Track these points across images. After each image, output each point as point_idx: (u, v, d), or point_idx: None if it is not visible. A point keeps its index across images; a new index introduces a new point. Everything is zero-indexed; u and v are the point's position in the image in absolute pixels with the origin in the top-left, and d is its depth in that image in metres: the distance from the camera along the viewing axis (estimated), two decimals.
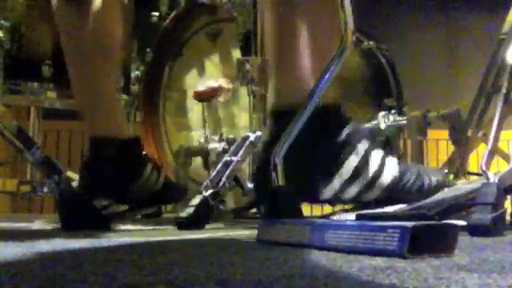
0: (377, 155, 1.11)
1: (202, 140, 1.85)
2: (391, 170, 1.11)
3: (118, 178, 1.29)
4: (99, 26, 1.28)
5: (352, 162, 1.08)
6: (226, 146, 1.66)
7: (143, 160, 1.38)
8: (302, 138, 0.96)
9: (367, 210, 1.08)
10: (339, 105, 1.11)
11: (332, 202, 1.14)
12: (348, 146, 1.08)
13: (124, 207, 1.40)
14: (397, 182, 1.11)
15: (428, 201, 1.02)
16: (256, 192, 1.17)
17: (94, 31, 1.28)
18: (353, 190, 1.09)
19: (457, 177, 1.40)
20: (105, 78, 1.32)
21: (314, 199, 1.12)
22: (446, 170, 1.39)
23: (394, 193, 1.11)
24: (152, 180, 1.36)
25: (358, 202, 1.13)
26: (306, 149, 1.04)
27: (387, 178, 1.10)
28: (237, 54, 1.74)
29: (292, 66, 1.11)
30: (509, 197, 0.99)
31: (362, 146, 1.10)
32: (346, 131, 1.09)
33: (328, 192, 1.08)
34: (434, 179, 1.15)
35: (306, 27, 1.10)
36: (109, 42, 1.31)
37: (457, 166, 1.40)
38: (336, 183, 1.08)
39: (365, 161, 1.09)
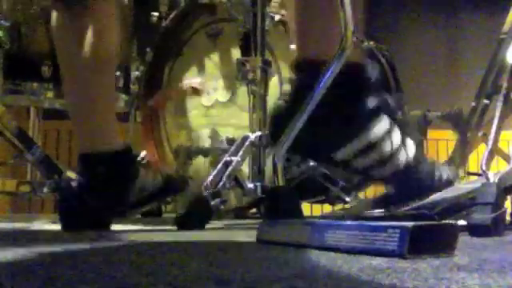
0: (398, 134, 1.10)
1: (203, 140, 1.85)
2: (409, 152, 1.10)
3: (110, 192, 1.27)
4: (96, 40, 1.27)
5: (374, 132, 1.07)
6: (226, 146, 1.66)
7: (135, 167, 1.36)
8: (329, 95, 0.96)
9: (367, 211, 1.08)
10: (363, 66, 1.10)
11: (342, 166, 1.12)
12: (373, 117, 1.07)
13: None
14: (410, 167, 1.10)
15: (428, 201, 1.02)
16: (272, 132, 1.17)
17: (91, 45, 1.26)
18: (366, 160, 1.08)
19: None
20: (98, 91, 1.29)
21: (326, 158, 1.11)
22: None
23: (405, 176, 1.09)
24: (148, 184, 1.35)
25: (366, 175, 1.12)
26: (331, 108, 1.02)
27: (403, 158, 1.09)
28: (237, 53, 1.74)
29: (316, 21, 1.10)
30: (509, 197, 0.99)
31: (387, 121, 1.09)
32: (374, 101, 1.07)
33: (341, 154, 1.07)
34: (445, 174, 1.14)
35: None
36: (105, 56, 1.30)
37: (457, 166, 1.40)
38: (352, 148, 1.07)
39: (387, 135, 1.08)
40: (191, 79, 1.95)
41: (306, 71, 1.09)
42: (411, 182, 1.10)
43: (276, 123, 1.15)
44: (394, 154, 1.08)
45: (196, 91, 1.92)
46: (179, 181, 1.55)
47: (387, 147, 1.07)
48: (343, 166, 1.12)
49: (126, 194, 1.30)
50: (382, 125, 1.07)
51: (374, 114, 1.07)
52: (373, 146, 1.07)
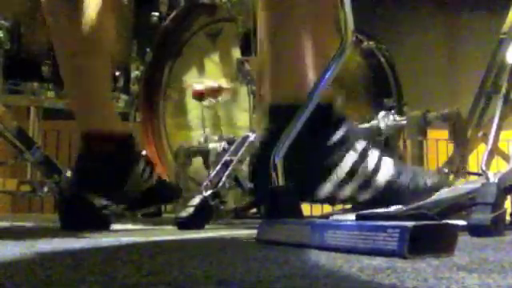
0: (373, 155, 1.11)
1: (202, 140, 1.85)
2: (387, 170, 1.11)
3: (109, 173, 1.28)
4: (89, 21, 1.27)
5: (348, 161, 1.08)
6: (226, 146, 1.66)
7: (136, 155, 1.36)
8: (297, 137, 0.96)
9: (367, 209, 1.08)
10: (331, 104, 1.10)
11: (328, 201, 1.14)
12: (344, 146, 1.09)
13: (123, 206, 1.40)
14: (392, 183, 1.11)
15: (428, 201, 1.02)
16: (257, 192, 1.17)
17: (85, 26, 1.26)
18: (348, 190, 1.10)
19: (457, 177, 1.40)
20: (96, 73, 1.30)
21: (310, 199, 1.13)
22: (446, 170, 1.39)
23: (389, 193, 1.11)
24: (145, 176, 1.35)
25: (353, 202, 1.13)
26: (301, 148, 1.03)
27: (383, 178, 1.11)
28: (237, 53, 1.74)
29: (290, 62, 1.10)
30: (509, 197, 0.99)
31: (359, 146, 1.10)
32: (342, 130, 1.09)
33: (324, 191, 1.09)
34: (429, 181, 1.15)
35: (303, 25, 1.10)
36: (99, 37, 1.30)
37: (457, 166, 1.40)
38: (332, 182, 1.08)
39: (361, 160, 1.09)
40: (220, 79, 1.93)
41: (281, 118, 1.05)
42: (395, 195, 1.11)
43: (260, 178, 1.12)
44: (373, 176, 1.10)
45: (222, 90, 1.90)
46: (173, 188, 1.54)
47: (365, 172, 1.09)
48: (328, 201, 1.14)
49: (124, 178, 1.30)
50: (355, 150, 1.09)
51: (342, 144, 1.08)
52: (350, 175, 1.08)
